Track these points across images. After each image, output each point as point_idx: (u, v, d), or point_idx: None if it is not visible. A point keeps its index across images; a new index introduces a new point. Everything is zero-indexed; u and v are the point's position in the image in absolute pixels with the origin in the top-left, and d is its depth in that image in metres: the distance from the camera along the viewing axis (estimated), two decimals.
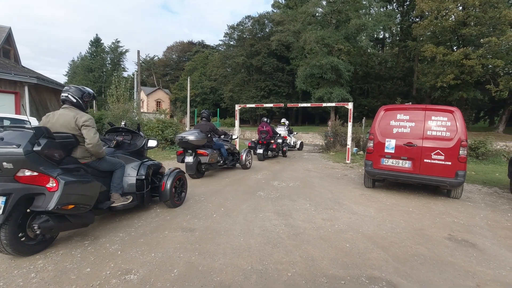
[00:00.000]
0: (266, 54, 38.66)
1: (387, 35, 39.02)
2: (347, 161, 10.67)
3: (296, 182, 6.82)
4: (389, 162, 5.67)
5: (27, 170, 2.70)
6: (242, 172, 8.12)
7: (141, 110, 46.44)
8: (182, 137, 6.62)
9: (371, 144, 5.90)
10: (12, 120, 8.06)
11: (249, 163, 8.72)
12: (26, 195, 2.69)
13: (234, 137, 8.73)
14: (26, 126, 2.75)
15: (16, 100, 10.61)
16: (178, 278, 2.49)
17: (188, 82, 30.19)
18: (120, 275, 2.51)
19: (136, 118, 16.13)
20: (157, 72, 66.84)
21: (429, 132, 5.34)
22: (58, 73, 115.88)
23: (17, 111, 10.47)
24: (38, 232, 2.79)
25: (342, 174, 8.26)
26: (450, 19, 20.54)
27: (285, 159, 11.62)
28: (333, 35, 26.41)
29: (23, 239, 2.77)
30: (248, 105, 14.65)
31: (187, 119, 28.68)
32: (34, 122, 8.28)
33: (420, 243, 3.40)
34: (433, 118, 5.35)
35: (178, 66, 65.08)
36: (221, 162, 7.69)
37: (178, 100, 45.90)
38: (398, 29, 34.98)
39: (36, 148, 2.68)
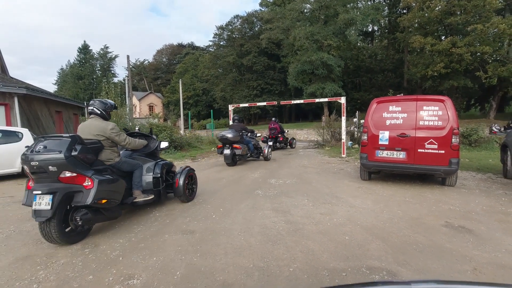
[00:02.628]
0: (257, 53, 38.65)
1: (375, 28, 39.23)
2: (342, 155, 10.75)
3: (293, 179, 6.86)
4: (384, 154, 5.73)
5: (67, 172, 3.18)
6: (239, 172, 8.14)
7: (134, 116, 46.21)
8: (222, 134, 8.83)
9: (365, 137, 5.96)
10: (3, 132, 7.97)
11: (270, 156, 10.59)
12: (68, 193, 3.21)
13: (258, 135, 10.94)
14: (64, 135, 3.32)
15: (6, 111, 10.48)
16: (181, 281, 2.50)
17: (180, 84, 30.06)
18: (122, 281, 2.52)
19: (129, 124, 16.04)
20: (148, 76, 66.41)
21: (421, 122, 5.42)
22: (47, 82, 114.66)
23: (8, 123, 10.34)
24: (80, 223, 3.32)
25: (338, 168, 8.32)
26: (436, 9, 20.75)
27: (281, 157, 11.67)
28: (322, 30, 26.50)
29: (67, 230, 3.31)
30: (241, 105, 14.67)
31: (181, 122, 28.58)
32: (26, 133, 8.19)
33: (417, 231, 3.46)
34: (424, 108, 5.43)
35: (169, 69, 64.75)
36: (249, 154, 9.70)
37: (171, 103, 45.67)
38: (387, 21, 35.21)
39: (74, 153, 3.19)
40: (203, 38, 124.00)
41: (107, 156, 3.80)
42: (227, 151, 8.81)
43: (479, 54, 20.03)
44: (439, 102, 5.36)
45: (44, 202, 3.08)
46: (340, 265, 2.70)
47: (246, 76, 40.10)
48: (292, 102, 14.19)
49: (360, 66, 35.35)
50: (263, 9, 38.97)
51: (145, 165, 4.47)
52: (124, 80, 31.44)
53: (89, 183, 3.25)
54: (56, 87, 68.04)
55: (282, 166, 9.12)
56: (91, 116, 3.93)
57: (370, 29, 38.99)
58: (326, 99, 13.71)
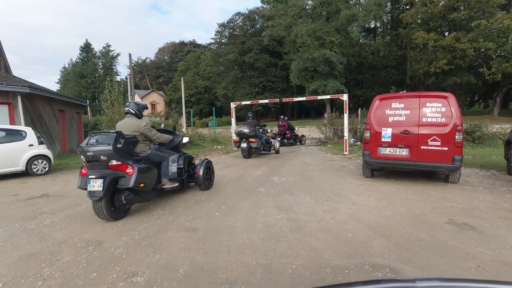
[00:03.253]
0: (258, 50, 38.56)
1: (378, 24, 38.96)
2: (345, 153, 10.72)
3: (295, 176, 6.85)
4: (387, 151, 5.71)
5: (114, 161, 3.90)
6: (241, 169, 8.15)
7: None
8: (240, 130, 10.01)
9: (367, 134, 5.94)
10: (7, 131, 8.02)
11: (279, 149, 11.77)
12: (115, 177, 3.91)
13: (268, 130, 11.95)
14: (110, 131, 4.04)
15: (10, 110, 10.53)
16: (184, 278, 2.52)
17: (182, 82, 30.05)
18: (126, 278, 2.53)
19: None
20: (150, 74, 66.47)
21: (424, 119, 5.39)
22: (49, 81, 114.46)
23: (11, 122, 10.40)
24: (123, 202, 4.08)
25: (341, 165, 8.31)
26: (440, 4, 20.58)
27: (284, 154, 11.66)
28: (324, 27, 26.38)
29: (113, 208, 3.98)
30: (243, 102, 14.66)
31: (183, 120, 28.60)
32: (29, 131, 8.24)
33: (420, 229, 3.45)
34: (427, 104, 5.40)
35: (170, 67, 64.73)
36: (262, 148, 10.93)
37: (173, 101, 45.71)
38: (389, 17, 34.95)
39: (119, 145, 3.92)
40: (204, 35, 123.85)
41: (141, 148, 4.49)
42: (244, 145, 10.05)
43: (482, 50, 19.88)
44: (443, 98, 5.33)
45: (97, 185, 3.77)
46: (343, 263, 2.71)
47: (248, 73, 40.03)
48: (294, 100, 14.12)
49: (363, 63, 35.15)
50: (264, 6, 38.81)
51: (171, 157, 5.15)
52: (126, 78, 31.47)
53: (131, 170, 3.99)
54: (59, 86, 68.28)
55: (285, 163, 9.11)
56: (127, 115, 4.63)
57: (372, 26, 38.72)
58: (328, 96, 13.67)
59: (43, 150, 8.38)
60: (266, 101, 16.07)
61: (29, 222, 4.12)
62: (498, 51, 20.08)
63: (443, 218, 3.76)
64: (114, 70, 66.21)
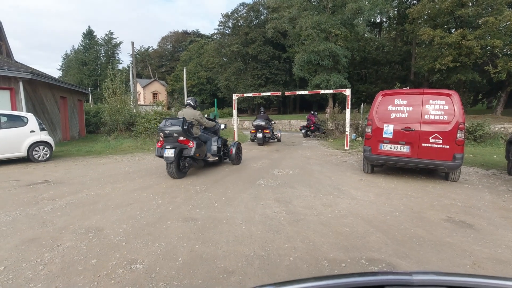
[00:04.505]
0: (262, 42, 38.20)
1: (384, 19, 38.47)
2: (346, 148, 10.73)
3: (295, 170, 6.87)
4: (388, 147, 5.71)
5: (182, 137, 5.78)
6: (242, 162, 8.16)
7: (138, 103, 46.19)
8: (257, 122, 12.00)
9: (369, 129, 5.92)
10: (9, 116, 8.03)
11: (280, 139, 13.93)
12: (181, 149, 5.76)
13: (273, 123, 13.70)
14: (179, 117, 5.97)
15: (12, 96, 10.52)
16: (182, 266, 2.55)
17: (184, 72, 29.94)
18: (126, 265, 2.57)
19: (134, 111, 16.09)
20: (152, 63, 66.05)
21: (426, 116, 5.37)
22: (51, 67, 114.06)
23: (13, 107, 10.40)
24: (186, 166, 6.04)
25: (341, 160, 8.32)
26: (447, 0, 20.28)
27: (285, 147, 11.67)
28: (330, 20, 26.05)
29: (178, 170, 5.85)
30: (245, 94, 14.60)
31: None
32: (31, 117, 8.25)
33: (418, 225, 3.47)
34: (430, 102, 5.37)
35: (173, 56, 64.30)
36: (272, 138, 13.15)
37: (175, 91, 45.52)
38: (395, 12, 34.47)
39: (184, 127, 5.77)
40: (208, 25, 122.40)
41: (195, 131, 6.41)
42: (259, 135, 12.14)
43: (489, 47, 19.65)
44: (446, 96, 5.29)
45: (170, 153, 5.58)
46: (340, 256, 2.73)
47: (250, 65, 39.75)
48: (297, 93, 14.06)
49: (367, 57, 34.79)
50: None
51: (212, 138, 7.03)
52: (128, 66, 31.28)
53: (191, 144, 5.86)
54: (61, 72, 68.04)
55: (285, 157, 9.13)
56: (187, 106, 6.69)
57: (378, 20, 38.24)
58: (331, 91, 13.64)
59: (45, 136, 8.40)
60: (269, 93, 15.98)
61: (30, 207, 4.16)
62: (505, 49, 19.85)
63: (441, 215, 3.77)
64: (117, 58, 65.82)
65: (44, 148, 8.34)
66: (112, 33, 64.80)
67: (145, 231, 3.28)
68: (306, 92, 14.23)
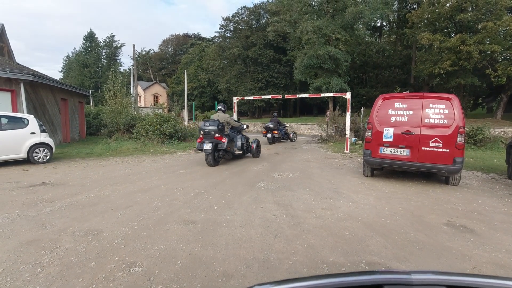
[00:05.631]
0: (262, 45, 38.35)
1: (384, 23, 38.63)
2: (346, 151, 10.72)
3: (295, 173, 6.87)
4: (388, 151, 5.71)
5: (217, 134, 7.41)
6: (242, 164, 8.17)
7: (138, 105, 46.27)
8: (267, 125, 14.42)
9: (369, 133, 5.93)
10: (9, 118, 8.04)
11: (293, 139, 15.88)
12: (216, 143, 7.43)
13: (286, 126, 16.19)
14: (214, 119, 7.70)
15: (13, 98, 10.55)
16: (182, 269, 2.54)
17: (185, 75, 30.01)
18: (124, 268, 2.56)
19: (134, 113, 16.11)
20: (153, 66, 66.24)
21: (427, 120, 5.37)
22: (53, 69, 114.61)
23: (14, 109, 10.42)
24: (220, 156, 7.85)
25: (341, 164, 8.31)
26: (447, 5, 20.39)
27: (285, 149, 11.67)
28: (330, 24, 26.15)
29: (213, 160, 7.49)
30: (246, 97, 14.63)
31: (185, 113, 28.59)
32: (32, 119, 8.26)
33: (418, 229, 3.46)
34: (431, 106, 5.38)
35: (174, 59, 64.49)
36: (281, 137, 15.03)
37: (175, 94, 45.68)
38: (396, 16, 34.63)
39: (219, 127, 7.46)
40: (209, 28, 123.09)
41: (225, 130, 8.02)
42: (269, 135, 14.28)
43: (488, 52, 19.72)
44: (446, 100, 5.30)
45: (208, 146, 7.33)
46: (339, 260, 2.72)
47: (251, 68, 39.86)
48: (297, 96, 14.10)
49: (367, 61, 34.90)
50: (270, 1, 38.52)
51: (238, 136, 8.67)
52: (129, 69, 31.38)
53: (224, 139, 7.57)
54: (62, 74, 68.23)
55: (285, 160, 9.12)
56: (218, 111, 8.39)
57: (378, 24, 38.41)
58: (331, 94, 13.59)
59: (45, 138, 8.40)
60: (269, 96, 16.03)
61: (29, 209, 4.15)
62: (504, 54, 19.92)
63: (441, 220, 3.77)
64: (118, 60, 66.04)
65: (44, 150, 8.34)
66: (113, 35, 65.17)
67: (144, 234, 3.28)
68: (307, 95, 14.26)
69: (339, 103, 31.56)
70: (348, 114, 10.95)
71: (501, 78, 18.56)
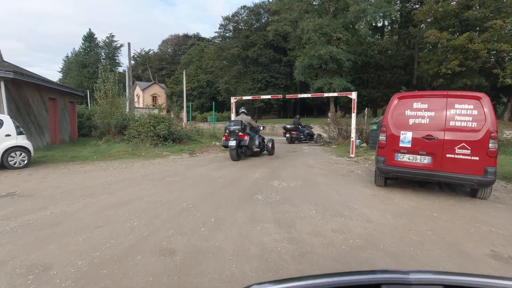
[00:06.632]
0: (262, 45, 37.65)
1: (386, 23, 37.91)
2: (351, 155, 9.96)
3: (298, 182, 6.11)
4: (405, 158, 4.95)
5: (240, 133, 8.73)
6: (238, 170, 7.41)
7: (137, 105, 45.45)
8: (285, 125, 15.91)
9: (383, 137, 5.17)
10: None
11: (318, 141, 15.76)
12: (240, 140, 8.69)
13: (311, 127, 16.59)
14: (238, 120, 9.08)
15: None
16: None
17: (184, 75, 29.27)
18: None
19: (127, 113, 15.35)
20: (152, 66, 65.53)
21: (452, 123, 4.61)
22: (52, 70, 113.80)
23: None
24: (243, 151, 9.24)
25: (348, 170, 7.56)
26: (453, 2, 19.68)
27: (286, 153, 10.91)
28: (332, 23, 25.42)
29: (237, 155, 8.79)
30: (244, 97, 13.85)
31: (183, 114, 27.83)
32: (7, 120, 7.53)
33: (459, 263, 2.70)
34: (456, 106, 4.62)
35: (173, 60, 63.81)
36: (303, 138, 15.66)
37: (174, 95, 44.87)
38: (398, 15, 33.90)
39: (242, 126, 8.68)
40: (209, 28, 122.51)
41: (246, 130, 8.99)
42: (288, 135, 15.26)
43: (494, 52, 18.99)
44: (475, 99, 4.55)
45: (233, 143, 8.48)
46: None
47: (251, 68, 39.15)
48: (299, 96, 13.35)
49: (369, 62, 34.14)
50: (270, 0, 37.80)
51: (256, 135, 9.69)
52: (125, 70, 30.61)
53: (246, 137, 8.70)
54: (61, 75, 67.51)
55: (286, 165, 8.37)
56: (241, 113, 9.65)
57: (380, 24, 37.68)
58: (335, 94, 12.85)
59: (22, 141, 7.65)
60: (268, 96, 15.30)
61: None
62: None
63: (484, 249, 3.01)
64: (117, 61, 65.24)
65: (21, 154, 7.59)
66: (113, 35, 64.33)
67: (104, 272, 2.51)
68: (309, 95, 13.54)
69: (340, 104, 30.85)
70: (353, 115, 10.19)
71: (506, 79, 17.78)
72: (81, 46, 62.41)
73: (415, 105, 4.93)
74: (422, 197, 4.94)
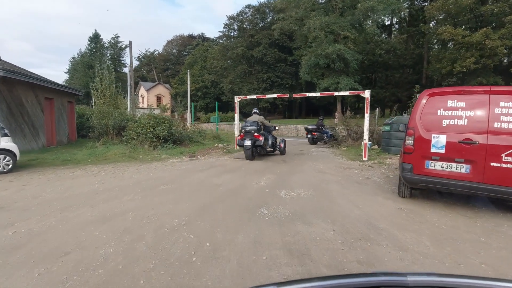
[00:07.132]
0: (267, 44, 36.96)
1: (394, 20, 36.90)
2: (364, 159, 9.18)
3: (309, 191, 5.36)
4: (437, 166, 4.18)
5: (256, 133, 8.99)
6: (241, 176, 6.69)
7: (141, 106, 45.04)
8: (306, 127, 15.68)
9: (410, 141, 4.40)
10: None
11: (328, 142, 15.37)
12: (255, 140, 9.01)
13: (336, 128, 15.50)
14: (253, 120, 9.28)
15: None
16: None
17: (188, 76, 28.75)
18: None
19: (127, 114, 14.78)
20: (157, 67, 65.25)
21: (496, 124, 3.83)
22: (59, 70, 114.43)
23: None
24: (257, 151, 9.56)
25: (363, 176, 6.79)
26: None
27: (293, 156, 10.17)
28: (339, 21, 24.59)
29: (252, 154, 9.14)
30: (248, 96, 13.22)
31: (188, 114, 27.24)
32: None
33: None
34: (502, 104, 3.83)
35: (178, 60, 63.46)
36: (326, 138, 14.92)
37: (178, 95, 44.40)
38: (407, 13, 32.90)
39: (258, 127, 9.10)
40: (214, 29, 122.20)
41: (260, 130, 9.23)
42: (309, 136, 15.12)
43: None
44: None
45: (248, 143, 8.82)
46: None
47: (255, 68, 38.47)
48: (307, 95, 12.65)
49: (377, 61, 33.18)
50: None
51: (269, 136, 9.93)
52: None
53: (261, 137, 9.02)
54: (68, 76, 67.59)
55: (294, 170, 7.63)
56: (254, 114, 9.78)
57: (388, 22, 36.70)
58: (347, 93, 12.07)
59: (7, 143, 7.04)
60: (274, 95, 14.58)
61: None
62: None
63: None
64: (122, 61, 65.04)
65: (5, 158, 6.97)
66: (118, 36, 64.14)
67: None
68: (318, 94, 12.76)
69: (347, 104, 29.98)
70: (366, 115, 9.40)
71: None
72: (87, 47, 62.43)
73: (449, 103, 4.15)
74: (458, 213, 4.15)
